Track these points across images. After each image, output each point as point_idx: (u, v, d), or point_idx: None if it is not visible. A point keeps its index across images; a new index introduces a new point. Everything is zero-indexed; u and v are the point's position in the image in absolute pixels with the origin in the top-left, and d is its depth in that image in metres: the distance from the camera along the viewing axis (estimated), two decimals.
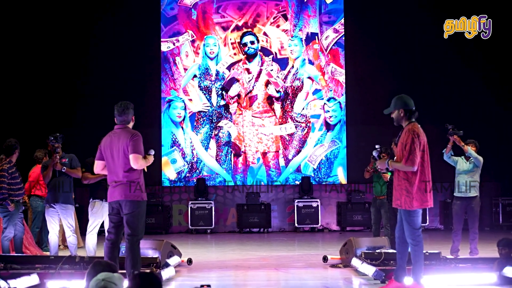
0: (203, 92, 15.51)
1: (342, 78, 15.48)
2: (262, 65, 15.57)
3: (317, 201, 14.79)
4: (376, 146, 8.57)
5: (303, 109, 15.46)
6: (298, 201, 14.78)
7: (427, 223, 14.51)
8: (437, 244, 11.05)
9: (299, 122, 15.47)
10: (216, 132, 15.47)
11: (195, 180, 15.05)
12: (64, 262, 7.96)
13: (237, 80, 15.52)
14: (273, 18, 15.68)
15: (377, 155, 7.57)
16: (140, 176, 6.97)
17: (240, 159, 15.40)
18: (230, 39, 15.68)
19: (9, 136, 9.63)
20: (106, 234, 7.17)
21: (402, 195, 6.80)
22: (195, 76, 15.56)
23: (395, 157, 6.97)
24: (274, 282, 8.09)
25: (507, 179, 14.89)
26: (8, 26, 14.87)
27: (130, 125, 7.09)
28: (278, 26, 15.65)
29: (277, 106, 15.50)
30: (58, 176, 9.00)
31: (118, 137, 6.95)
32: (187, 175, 15.36)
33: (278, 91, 15.49)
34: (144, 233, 7.08)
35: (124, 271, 6.64)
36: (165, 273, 7.86)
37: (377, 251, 8.52)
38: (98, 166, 7.18)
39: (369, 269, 7.84)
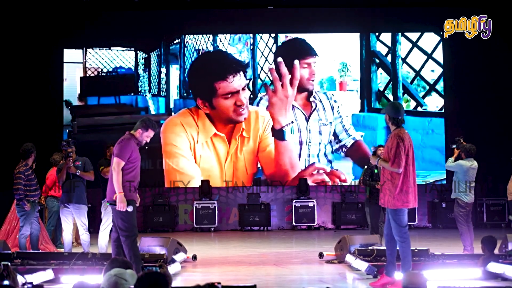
0: None
1: None
2: None
3: (313, 201, 14.70)
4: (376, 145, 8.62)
5: None
6: (295, 201, 14.69)
7: (416, 221, 14.37)
8: (426, 241, 10.99)
9: None
10: None
11: (200, 182, 14.96)
12: (77, 258, 7.96)
13: None
14: None
15: (373, 150, 7.72)
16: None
17: None
18: None
19: (26, 140, 9.61)
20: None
21: (386, 194, 6.87)
22: None
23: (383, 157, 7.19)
24: (273, 277, 8.03)
25: (490, 181, 14.80)
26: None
27: (137, 132, 7.06)
28: None
29: None
30: (72, 178, 8.98)
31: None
32: None
33: None
34: (137, 231, 6.97)
35: None
36: (172, 269, 7.82)
37: (369, 248, 8.49)
38: None
39: (362, 265, 7.84)
